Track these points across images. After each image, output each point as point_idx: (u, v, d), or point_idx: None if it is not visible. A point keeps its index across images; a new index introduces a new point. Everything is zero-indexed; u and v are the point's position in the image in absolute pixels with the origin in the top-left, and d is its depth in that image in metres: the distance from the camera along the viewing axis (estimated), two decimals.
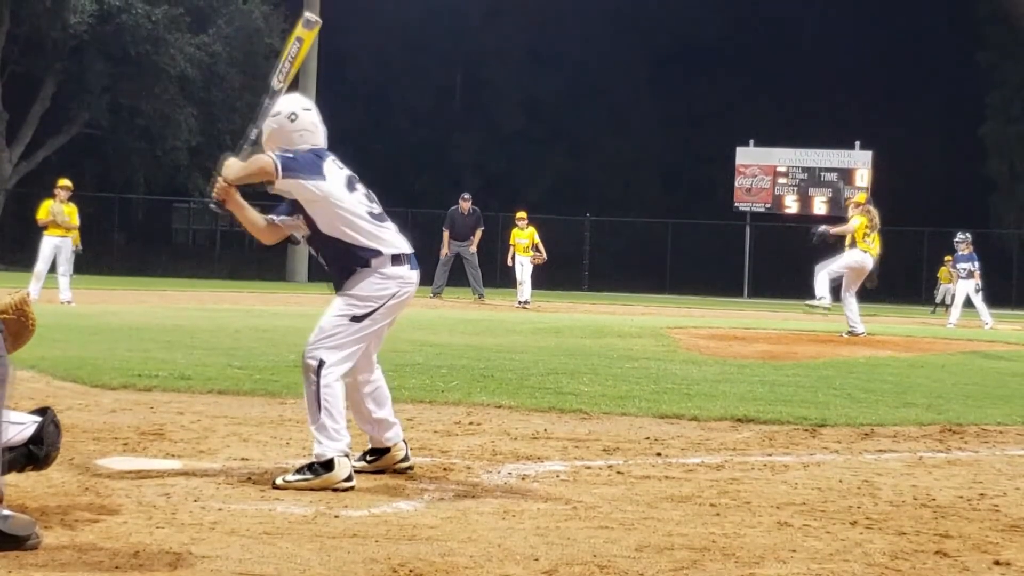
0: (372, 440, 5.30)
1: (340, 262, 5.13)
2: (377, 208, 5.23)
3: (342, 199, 5.08)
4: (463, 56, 52.74)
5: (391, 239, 5.17)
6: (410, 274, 5.20)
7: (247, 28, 40.53)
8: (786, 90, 48.58)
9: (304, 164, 5.03)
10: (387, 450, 5.27)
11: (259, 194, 5.47)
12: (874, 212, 15.73)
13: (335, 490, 4.79)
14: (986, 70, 44.64)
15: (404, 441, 5.32)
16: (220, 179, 5.04)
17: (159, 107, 38.72)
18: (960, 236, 22.81)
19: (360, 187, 5.21)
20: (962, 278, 22.56)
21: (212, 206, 5.08)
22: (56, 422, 4.07)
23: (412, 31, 49.34)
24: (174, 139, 38.71)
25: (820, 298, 14.76)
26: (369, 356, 5.22)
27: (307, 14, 5.49)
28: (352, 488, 4.83)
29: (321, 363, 4.95)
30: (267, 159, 5.01)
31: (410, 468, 5.29)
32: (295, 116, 5.16)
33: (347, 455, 4.95)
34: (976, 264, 22.35)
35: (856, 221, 15.42)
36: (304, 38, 5.34)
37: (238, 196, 5.15)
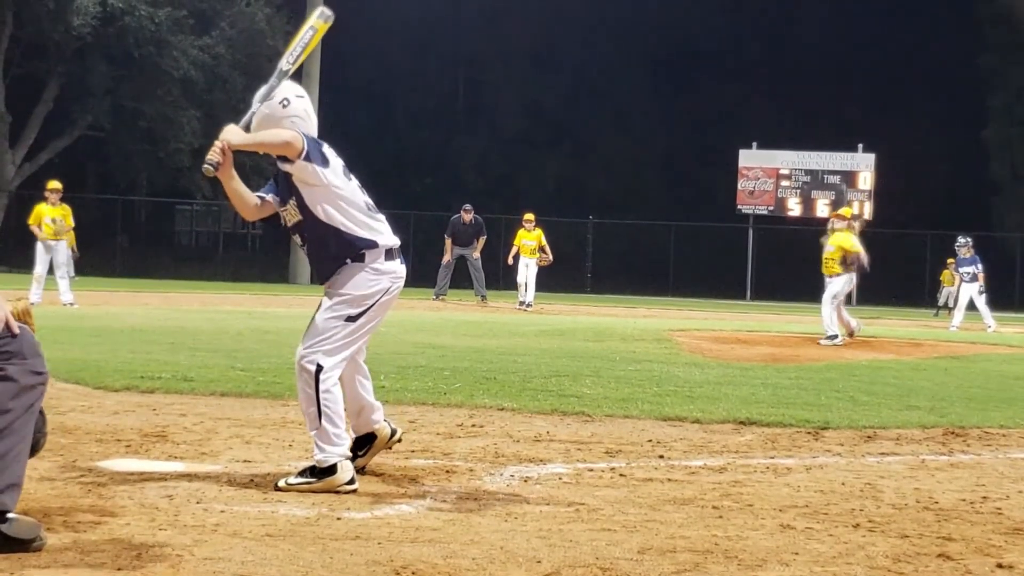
0: (355, 429, 5.29)
1: (333, 252, 5.07)
2: (370, 200, 5.23)
3: (342, 187, 5.06)
4: (465, 58, 52.74)
5: (386, 232, 5.17)
6: (400, 268, 5.21)
7: (250, 30, 40.50)
8: (788, 92, 48.50)
9: (316, 150, 5.01)
10: (373, 435, 5.28)
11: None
12: (856, 227, 15.93)
13: (337, 492, 4.79)
14: (988, 73, 44.59)
15: (386, 420, 5.34)
16: (223, 142, 4.93)
17: (162, 109, 38.67)
18: (961, 240, 22.70)
19: (353, 178, 5.20)
20: (965, 282, 22.47)
21: (206, 166, 4.93)
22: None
23: (414, 34, 49.33)
24: (177, 141, 38.64)
25: (833, 336, 14.89)
26: (361, 347, 5.23)
27: (323, 8, 5.49)
28: (355, 491, 4.83)
29: (319, 368, 4.92)
30: (296, 135, 4.93)
31: (401, 438, 5.39)
32: (287, 102, 5.10)
33: (349, 458, 4.96)
34: (979, 267, 22.26)
35: (854, 239, 15.42)
36: (317, 28, 5.34)
37: (232, 166, 5.05)
